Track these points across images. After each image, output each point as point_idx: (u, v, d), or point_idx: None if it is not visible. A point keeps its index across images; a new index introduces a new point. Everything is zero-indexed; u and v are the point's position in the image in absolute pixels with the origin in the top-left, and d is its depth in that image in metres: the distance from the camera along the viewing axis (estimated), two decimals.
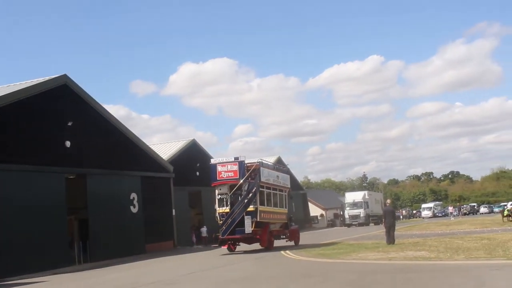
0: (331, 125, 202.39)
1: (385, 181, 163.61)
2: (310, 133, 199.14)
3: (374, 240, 30.98)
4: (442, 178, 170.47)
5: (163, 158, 43.52)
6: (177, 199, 43.62)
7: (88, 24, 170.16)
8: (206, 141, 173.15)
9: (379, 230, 41.48)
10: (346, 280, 15.02)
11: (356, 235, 40.54)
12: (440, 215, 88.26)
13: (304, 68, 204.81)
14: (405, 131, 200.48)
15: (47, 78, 32.06)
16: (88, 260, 31.47)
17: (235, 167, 28.90)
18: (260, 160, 30.86)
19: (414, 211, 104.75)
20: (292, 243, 32.08)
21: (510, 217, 44.61)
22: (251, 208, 28.16)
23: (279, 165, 34.36)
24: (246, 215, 27.94)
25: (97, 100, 34.92)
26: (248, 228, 27.82)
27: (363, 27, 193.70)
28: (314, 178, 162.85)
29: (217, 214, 29.65)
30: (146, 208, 37.95)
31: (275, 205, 31.21)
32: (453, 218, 67.82)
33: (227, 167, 29.09)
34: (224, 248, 30.27)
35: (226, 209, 28.71)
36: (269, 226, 29.94)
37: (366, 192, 77.67)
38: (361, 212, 69.15)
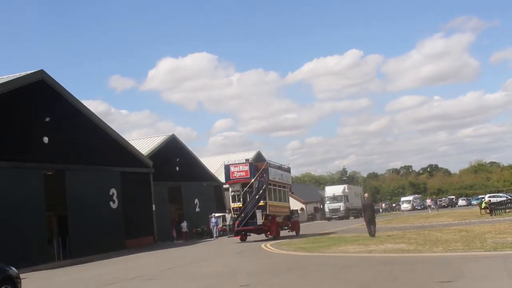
0: (311, 119, 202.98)
1: (365, 175, 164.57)
2: (290, 128, 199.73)
3: (354, 233, 31.16)
4: (421, 171, 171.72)
5: (143, 153, 43.32)
6: (157, 194, 43.49)
7: (66, 19, 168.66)
8: (186, 136, 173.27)
9: (359, 224, 41.81)
10: (327, 273, 15.09)
11: (336, 228, 40.74)
12: (419, 208, 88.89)
13: (283, 62, 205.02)
14: (384, 125, 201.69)
15: (23, 73, 31.71)
16: (68, 257, 31.28)
17: (246, 168, 32.74)
18: (268, 161, 34.90)
19: (394, 204, 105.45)
20: (294, 233, 35.84)
21: (488, 210, 45.06)
22: (261, 203, 31.94)
23: (282, 164, 37.67)
24: (257, 209, 31.63)
25: (75, 95, 34.73)
26: (259, 220, 31.50)
27: (342, 21, 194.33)
28: (294, 172, 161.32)
29: (230, 209, 33.92)
30: (125, 203, 37.78)
31: (280, 200, 35.01)
32: (430, 211, 68.41)
33: (239, 167, 32.97)
34: (237, 238, 33.62)
35: (239, 204, 32.46)
36: (275, 218, 33.52)
37: (346, 185, 77.93)
38: (341, 205, 69.42)
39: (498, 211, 44.49)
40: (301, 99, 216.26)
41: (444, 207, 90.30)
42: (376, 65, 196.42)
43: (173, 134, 52.36)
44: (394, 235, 26.28)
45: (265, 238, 33.17)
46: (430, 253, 17.55)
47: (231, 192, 33.57)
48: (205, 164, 58.41)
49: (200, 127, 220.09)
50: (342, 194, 70.70)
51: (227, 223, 44.55)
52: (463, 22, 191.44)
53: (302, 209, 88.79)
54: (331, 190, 73.87)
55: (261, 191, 32.10)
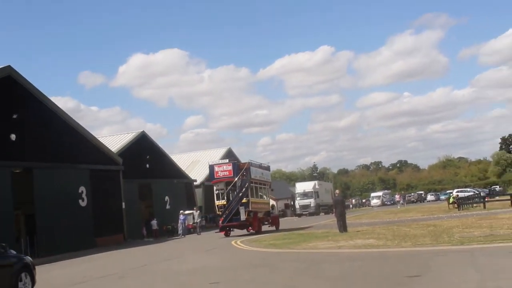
0: (282, 116, 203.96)
1: (335, 171, 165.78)
2: (261, 124, 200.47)
3: (324, 229, 31.34)
4: (390, 167, 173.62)
5: (112, 150, 42.94)
6: (127, 192, 43.14)
7: (34, 13, 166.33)
8: (156, 133, 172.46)
9: (330, 220, 42.16)
10: (296, 269, 15.15)
11: (309, 224, 40.99)
12: (388, 203, 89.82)
13: (255, 59, 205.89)
14: (354, 121, 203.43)
15: None
16: (36, 256, 30.73)
17: (230, 167, 34.77)
18: (250, 161, 36.58)
19: (364, 200, 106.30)
20: (274, 228, 38.17)
21: (455, 204, 45.68)
22: (244, 200, 33.76)
23: (262, 163, 40.09)
24: (240, 206, 33.47)
25: (43, 92, 34.33)
26: (243, 216, 33.41)
27: (313, 17, 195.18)
28: None
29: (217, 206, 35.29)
30: (95, 201, 37.45)
31: (261, 197, 37.48)
32: (399, 206, 69.18)
33: (223, 167, 34.99)
34: (221, 233, 34.96)
35: (224, 202, 34.39)
36: (257, 214, 35.58)
37: (316, 182, 78.29)
38: (311, 202, 69.69)
39: (465, 205, 45.16)
40: (272, 96, 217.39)
41: (413, 202, 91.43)
42: (347, 61, 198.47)
43: (143, 131, 51.99)
44: (364, 231, 26.47)
45: (247, 233, 34.62)
46: (399, 248, 17.73)
47: (216, 190, 35.37)
48: (176, 161, 58.14)
49: (170, 124, 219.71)
50: (312, 190, 71.00)
51: (195, 220, 44.48)
52: (432, 19, 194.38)
53: (272, 205, 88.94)
54: (301, 187, 74.14)
55: (243, 189, 34.03)
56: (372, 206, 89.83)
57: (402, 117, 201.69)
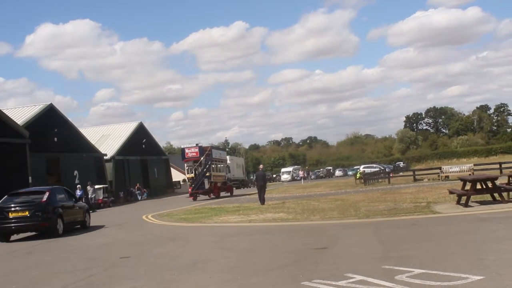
0: (195, 91, 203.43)
1: (247, 146, 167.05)
2: (174, 98, 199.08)
3: (235, 203, 31.68)
4: (300, 143, 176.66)
5: (18, 123, 41.45)
6: (34, 166, 41.85)
7: None
8: (66, 105, 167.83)
9: (241, 194, 42.83)
10: (207, 242, 15.30)
11: (218, 199, 41.41)
12: (298, 178, 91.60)
13: (168, 32, 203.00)
14: (266, 97, 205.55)
15: None
16: None
17: (197, 149, 44.80)
18: (211, 144, 46.98)
19: (274, 175, 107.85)
20: (229, 194, 48.58)
21: (362, 180, 47.17)
22: (207, 174, 44.19)
23: (220, 146, 51.22)
24: (205, 178, 43.72)
25: None
26: (207, 185, 43.81)
27: None
28: (176, 143, 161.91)
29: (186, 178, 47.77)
30: None
31: (219, 171, 48.45)
32: (303, 182, 70.67)
33: (192, 150, 44.95)
34: (190, 199, 43.64)
35: (192, 175, 44.42)
36: (217, 184, 46.48)
37: (228, 157, 78.52)
38: None
39: (371, 181, 46.70)
40: (185, 70, 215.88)
41: (321, 177, 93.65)
42: (261, 38, 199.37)
43: (51, 104, 50.42)
44: (274, 205, 26.97)
45: (208, 198, 44.03)
46: (308, 221, 18.22)
47: (186, 166, 46.34)
48: (86, 135, 56.85)
49: (81, 97, 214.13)
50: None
51: (90, 195, 43.66)
52: None
53: (184, 180, 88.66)
54: None
55: (207, 165, 44.19)
56: (282, 181, 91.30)
57: (313, 94, 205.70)
